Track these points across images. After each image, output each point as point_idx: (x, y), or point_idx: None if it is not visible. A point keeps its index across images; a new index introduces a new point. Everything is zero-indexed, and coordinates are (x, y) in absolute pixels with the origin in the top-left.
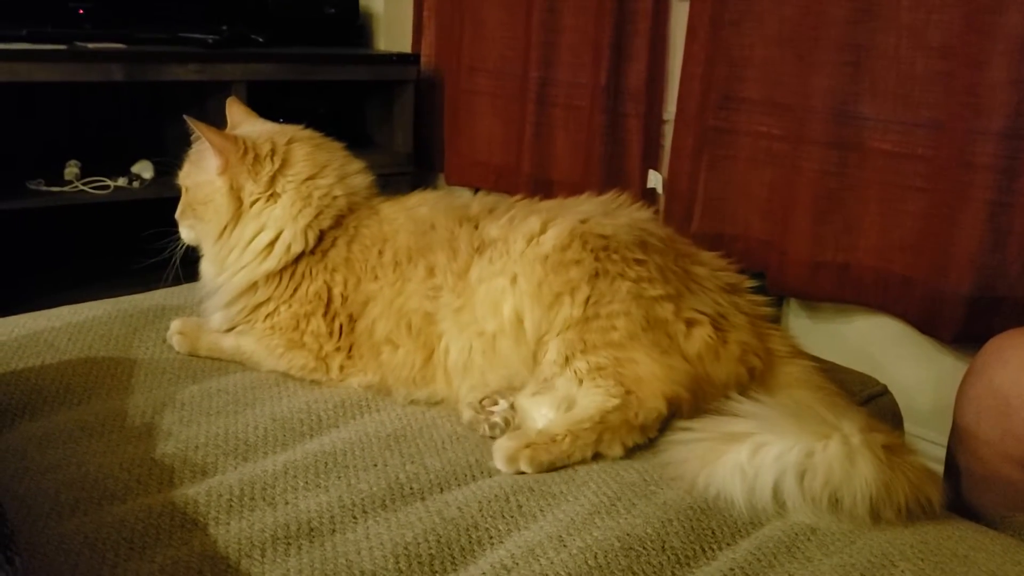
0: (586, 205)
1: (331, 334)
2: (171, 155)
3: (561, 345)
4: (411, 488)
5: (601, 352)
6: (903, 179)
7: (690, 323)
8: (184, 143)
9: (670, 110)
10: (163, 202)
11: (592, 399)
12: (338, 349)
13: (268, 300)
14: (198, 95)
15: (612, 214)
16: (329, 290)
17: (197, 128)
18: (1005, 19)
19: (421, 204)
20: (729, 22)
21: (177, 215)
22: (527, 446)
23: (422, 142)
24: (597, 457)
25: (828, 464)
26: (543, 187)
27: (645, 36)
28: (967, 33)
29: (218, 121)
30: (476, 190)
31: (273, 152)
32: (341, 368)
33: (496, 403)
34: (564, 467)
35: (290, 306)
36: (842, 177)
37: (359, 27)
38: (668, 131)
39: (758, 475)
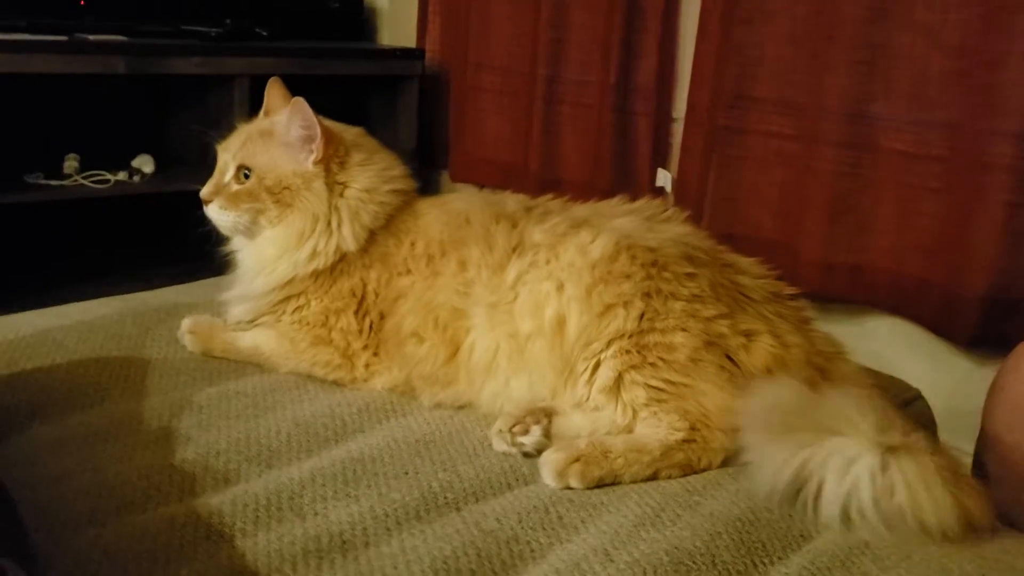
0: (625, 216)
1: (360, 332)
2: (172, 150)
3: (615, 361)
4: (445, 498)
5: (663, 373)
6: (918, 180)
7: (748, 335)
8: (185, 137)
9: (679, 108)
10: (163, 197)
11: (653, 431)
12: (365, 347)
13: (301, 294)
14: (200, 89)
15: (654, 227)
16: (364, 286)
17: (297, 107)
18: (1023, 18)
19: (456, 200)
20: (740, 20)
21: (216, 195)
22: (577, 459)
23: (426, 139)
24: None
25: (906, 483)
26: (550, 186)
27: (655, 33)
28: (985, 32)
29: (220, 115)
30: (481, 188)
31: (355, 146)
32: (367, 366)
33: (528, 431)
34: (612, 484)
35: (321, 301)
36: (855, 178)
37: (363, 21)
38: (677, 130)
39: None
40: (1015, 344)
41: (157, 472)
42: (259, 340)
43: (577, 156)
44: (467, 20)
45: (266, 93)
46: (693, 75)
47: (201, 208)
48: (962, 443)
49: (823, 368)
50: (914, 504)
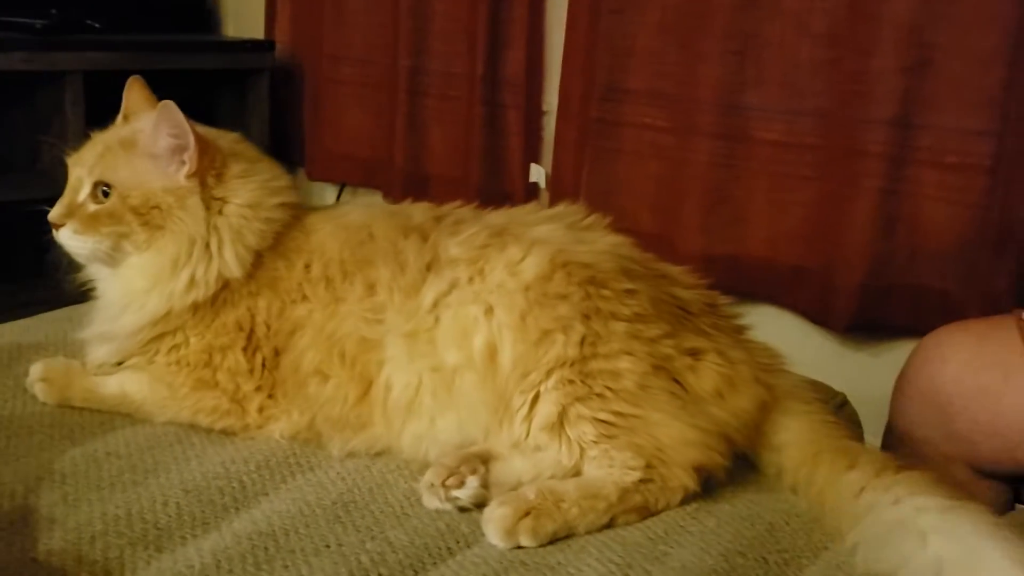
0: (545, 224)
1: (251, 371)
2: None
3: (556, 393)
4: (379, 574)
5: (611, 404)
6: (791, 169)
7: (694, 354)
8: (12, 141)
9: (549, 101)
10: None
11: (606, 472)
12: (258, 388)
13: (177, 330)
14: (26, 88)
15: (582, 237)
16: (252, 318)
17: (165, 112)
18: (891, 6)
19: (352, 212)
20: (610, 10)
21: (69, 217)
22: (527, 513)
23: (280, 135)
24: None
25: None
26: (418, 182)
27: (522, 24)
28: (852, 20)
29: (51, 115)
30: (342, 186)
31: (233, 155)
32: (260, 410)
33: (463, 483)
34: (566, 537)
35: (203, 337)
36: (730, 168)
37: (205, 12)
38: (549, 123)
39: None
40: (890, 329)
41: (16, 572)
42: (128, 386)
43: (445, 151)
44: (320, 9)
45: (125, 95)
46: (564, 66)
47: (32, 223)
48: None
49: (768, 384)
50: None
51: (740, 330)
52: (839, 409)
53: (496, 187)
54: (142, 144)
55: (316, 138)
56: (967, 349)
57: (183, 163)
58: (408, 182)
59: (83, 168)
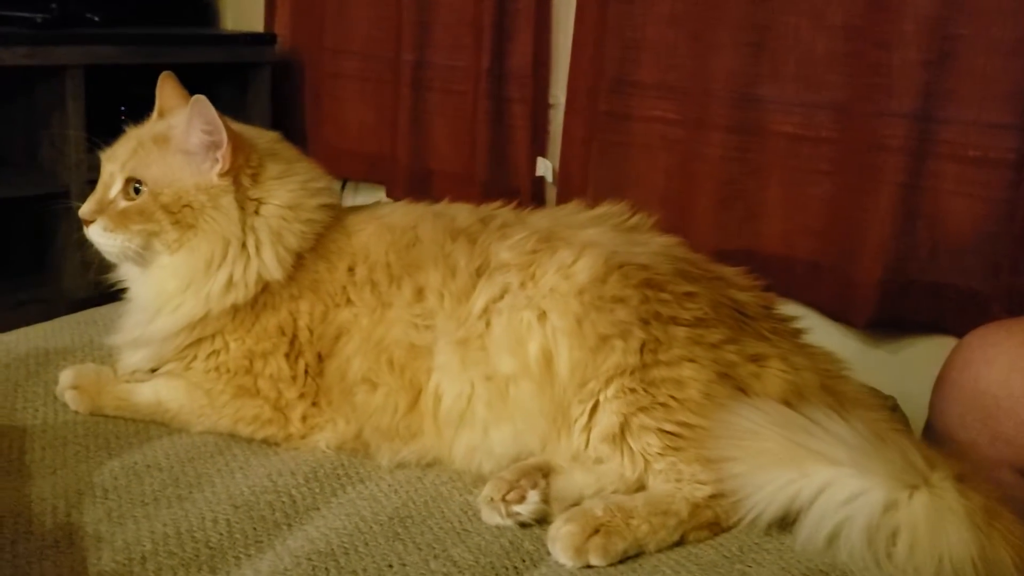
0: (592, 226)
1: (294, 377)
2: None
3: (618, 402)
4: None
5: (676, 414)
6: (808, 163)
7: (758, 360)
8: (10, 135)
9: (555, 94)
10: None
11: (674, 487)
12: (301, 396)
13: (216, 334)
14: (26, 82)
15: (634, 238)
16: (295, 322)
17: (198, 108)
18: None
19: (393, 212)
20: (619, 1)
21: (100, 213)
22: (596, 530)
23: (281, 130)
24: None
25: (913, 524)
26: (421, 177)
27: (529, 16)
28: (871, 12)
29: (51, 110)
30: (344, 182)
31: (270, 154)
32: (304, 419)
33: (524, 497)
34: (636, 556)
35: (243, 342)
36: (744, 162)
37: (204, 5)
38: (554, 116)
39: (822, 516)
40: (910, 326)
41: None
42: (163, 393)
43: (450, 146)
44: (321, 2)
45: (158, 91)
46: (572, 59)
47: (33, 218)
48: None
49: (834, 391)
50: (917, 553)
51: (797, 333)
52: (891, 413)
53: (501, 182)
54: (175, 140)
55: (318, 133)
56: (1011, 350)
57: (217, 161)
58: (411, 177)
59: (115, 163)
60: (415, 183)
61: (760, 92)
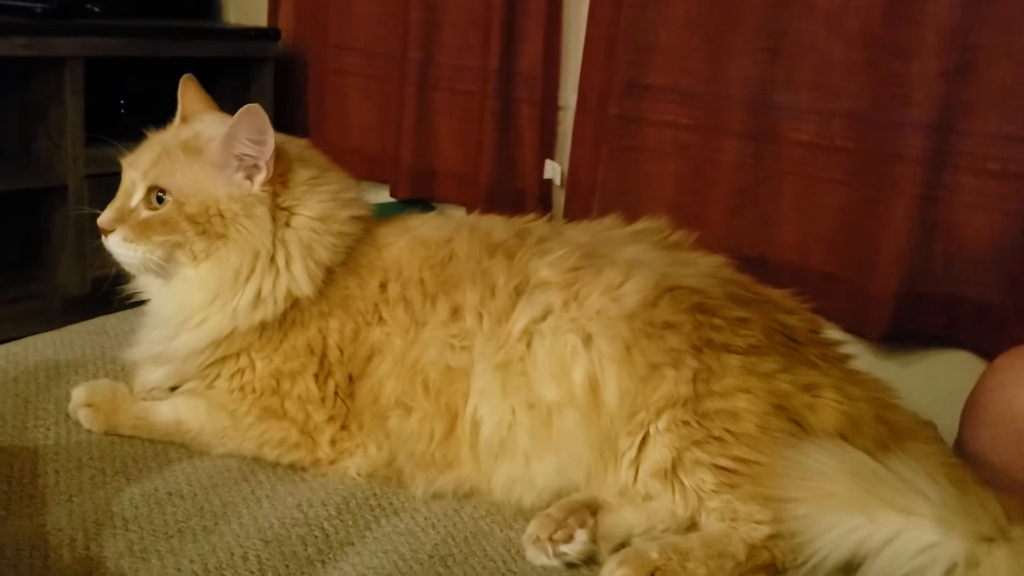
0: (634, 243)
1: (323, 399)
2: None
3: (670, 435)
4: None
5: (731, 449)
6: (823, 171)
7: (812, 391)
8: (7, 128)
9: (565, 96)
10: None
11: (730, 526)
12: (331, 419)
13: (241, 352)
14: (23, 73)
15: (680, 258)
16: (324, 340)
17: (250, 116)
18: (932, 6)
19: (425, 224)
20: (633, 3)
21: (120, 223)
22: (653, 574)
23: (283, 127)
24: None
25: None
26: (425, 177)
27: (540, 16)
28: (889, 21)
29: (49, 103)
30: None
31: (301, 161)
32: (333, 443)
33: (571, 537)
34: None
35: (270, 361)
36: (757, 169)
37: None
38: (563, 119)
39: (892, 564)
40: (923, 339)
41: None
42: (184, 413)
43: (456, 146)
44: None
45: (180, 95)
46: (584, 61)
47: (28, 212)
48: None
49: (888, 423)
50: None
51: (845, 359)
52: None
53: (508, 184)
54: (212, 149)
55: (320, 131)
56: None
57: (255, 168)
58: (415, 177)
59: (137, 171)
60: (418, 183)
61: (775, 99)
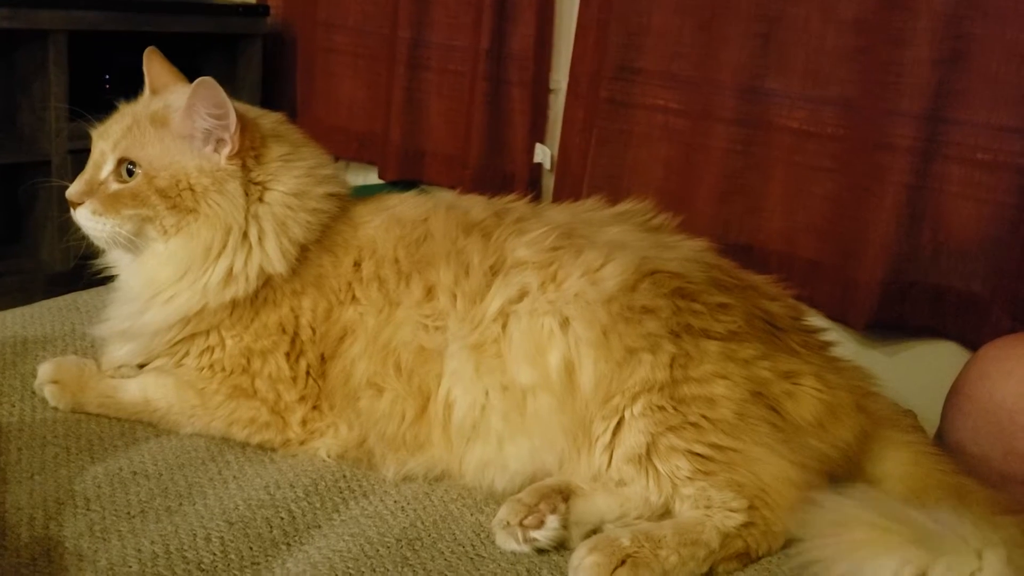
0: (615, 224)
1: (294, 379)
2: None
3: (645, 420)
4: None
5: (707, 435)
6: (812, 159)
7: (791, 378)
8: None
9: (556, 79)
10: None
11: (703, 514)
12: (301, 399)
13: (211, 330)
14: (6, 46)
15: (662, 241)
16: (296, 319)
17: (204, 89)
18: None
19: (402, 203)
20: None
21: (89, 195)
22: (623, 561)
23: (270, 105)
24: None
25: None
26: (413, 158)
27: None
28: (883, 8)
29: (32, 76)
30: (336, 159)
31: (275, 136)
32: (303, 423)
33: (542, 522)
34: None
35: (240, 339)
36: (747, 155)
37: None
38: (554, 101)
39: None
40: (907, 329)
41: None
42: (152, 391)
43: (445, 127)
44: None
45: (145, 67)
46: (576, 43)
47: (10, 187)
48: None
49: (867, 411)
50: None
51: (826, 346)
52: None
53: (497, 167)
54: (176, 121)
55: (308, 109)
56: None
57: (221, 142)
58: (404, 158)
59: (107, 142)
60: (407, 164)
61: (766, 85)
